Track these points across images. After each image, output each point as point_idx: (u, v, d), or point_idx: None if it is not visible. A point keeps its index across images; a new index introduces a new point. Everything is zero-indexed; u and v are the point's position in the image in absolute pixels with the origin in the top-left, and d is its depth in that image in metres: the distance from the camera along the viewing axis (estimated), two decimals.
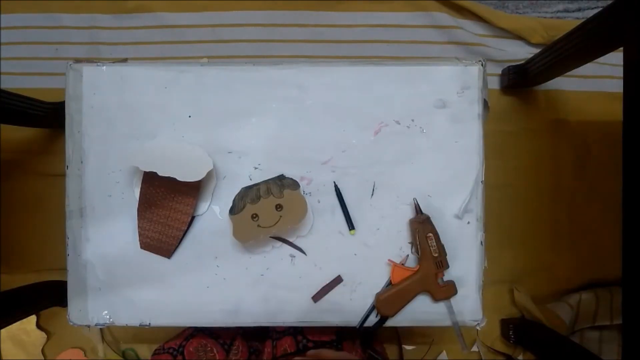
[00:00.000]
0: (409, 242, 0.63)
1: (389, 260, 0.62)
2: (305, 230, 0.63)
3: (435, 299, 0.62)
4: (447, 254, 0.61)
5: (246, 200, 0.60)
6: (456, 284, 0.62)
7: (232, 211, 0.60)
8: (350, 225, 0.62)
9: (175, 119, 0.63)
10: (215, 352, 0.69)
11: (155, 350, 0.71)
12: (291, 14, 1.07)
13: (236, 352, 0.71)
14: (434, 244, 0.60)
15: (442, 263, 0.60)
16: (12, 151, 1.05)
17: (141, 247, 0.63)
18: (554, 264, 1.05)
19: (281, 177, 0.62)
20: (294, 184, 0.61)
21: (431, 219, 0.61)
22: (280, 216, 0.60)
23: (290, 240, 0.63)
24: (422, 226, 0.60)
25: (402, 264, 0.62)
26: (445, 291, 0.61)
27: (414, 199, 0.62)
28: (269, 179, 0.62)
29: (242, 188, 0.62)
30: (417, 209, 0.62)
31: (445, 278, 0.62)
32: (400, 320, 0.63)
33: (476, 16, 1.06)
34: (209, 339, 0.70)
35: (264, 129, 0.63)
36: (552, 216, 1.06)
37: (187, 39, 1.07)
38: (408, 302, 0.62)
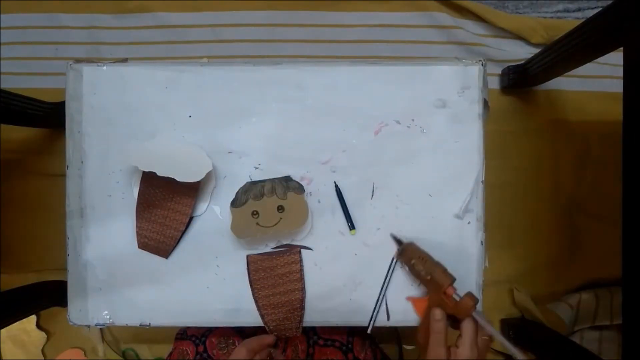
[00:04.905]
0: None
1: (407, 297, 0.61)
2: (303, 234, 0.62)
3: (459, 317, 0.53)
4: (448, 258, 0.58)
5: (249, 195, 0.60)
6: (456, 284, 0.60)
7: (234, 204, 0.60)
8: (351, 225, 0.62)
9: (175, 119, 0.63)
10: (237, 344, 0.69)
11: (177, 333, 0.74)
12: (291, 14, 1.07)
13: None
14: (421, 267, 0.57)
15: (441, 282, 0.55)
16: (12, 151, 1.05)
17: (139, 247, 0.63)
18: (554, 264, 1.05)
19: (288, 179, 0.62)
20: (300, 188, 0.61)
21: (413, 242, 0.59)
22: (281, 218, 0.59)
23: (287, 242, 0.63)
24: (403, 257, 0.59)
25: (419, 297, 0.61)
26: (463, 307, 0.52)
27: (391, 234, 0.61)
28: (275, 178, 0.62)
29: (247, 182, 0.62)
30: (397, 242, 0.61)
31: None
32: (400, 320, 0.63)
33: (476, 16, 1.06)
34: (233, 331, 0.71)
35: (264, 129, 0.63)
36: (552, 216, 1.06)
37: (187, 39, 1.07)
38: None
